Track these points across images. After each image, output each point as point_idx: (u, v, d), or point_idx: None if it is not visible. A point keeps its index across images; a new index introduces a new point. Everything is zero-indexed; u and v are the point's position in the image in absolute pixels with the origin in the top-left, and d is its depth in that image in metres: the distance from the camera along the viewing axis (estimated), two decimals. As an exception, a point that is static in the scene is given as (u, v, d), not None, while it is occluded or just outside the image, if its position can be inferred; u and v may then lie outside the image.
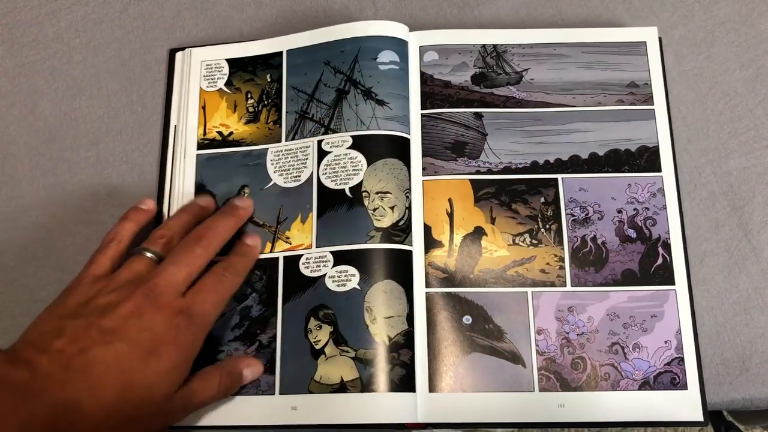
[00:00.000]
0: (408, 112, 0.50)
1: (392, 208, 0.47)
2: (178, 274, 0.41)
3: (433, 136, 0.50)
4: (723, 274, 0.49)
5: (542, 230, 0.48)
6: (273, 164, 0.50)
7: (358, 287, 0.45)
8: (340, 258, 0.46)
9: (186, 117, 0.52)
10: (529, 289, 0.47)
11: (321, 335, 0.45)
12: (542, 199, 0.48)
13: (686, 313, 0.46)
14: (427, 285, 0.47)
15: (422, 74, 0.51)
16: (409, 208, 0.48)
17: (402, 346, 0.45)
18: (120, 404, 0.36)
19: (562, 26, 0.55)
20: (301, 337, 0.45)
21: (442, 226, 0.48)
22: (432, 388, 0.45)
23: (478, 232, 0.48)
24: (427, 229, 0.48)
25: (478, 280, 0.47)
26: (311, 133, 0.50)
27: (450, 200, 0.48)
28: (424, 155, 0.49)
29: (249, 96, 0.52)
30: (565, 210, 0.48)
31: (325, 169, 0.48)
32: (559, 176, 0.49)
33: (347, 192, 0.47)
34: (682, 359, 0.45)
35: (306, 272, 0.46)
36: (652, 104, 0.50)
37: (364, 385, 0.43)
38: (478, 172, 0.49)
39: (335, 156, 0.48)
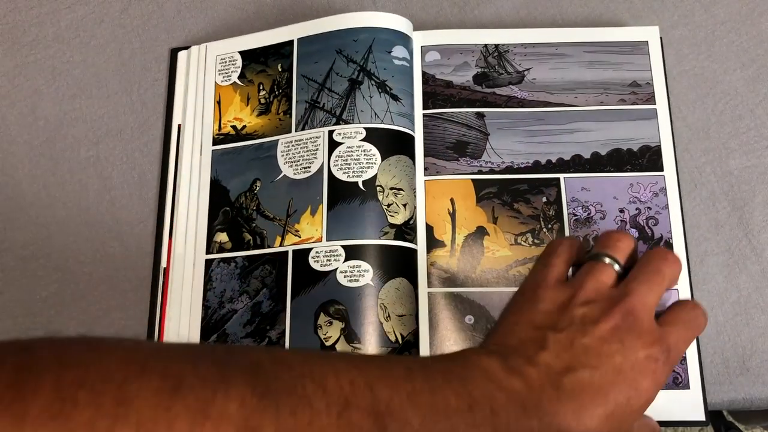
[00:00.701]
0: (414, 111, 0.50)
1: (404, 205, 0.47)
2: (651, 297, 0.36)
3: (435, 136, 0.50)
4: (723, 274, 0.49)
5: (544, 230, 0.48)
6: (283, 156, 0.49)
7: (371, 283, 0.44)
8: (352, 252, 0.45)
9: (201, 113, 0.52)
10: (531, 289, 0.46)
11: (332, 331, 0.44)
12: (544, 199, 0.48)
13: (688, 312, 0.46)
14: (429, 285, 0.47)
15: (424, 74, 0.51)
16: (415, 207, 0.48)
17: (412, 345, 0.44)
18: None
19: (563, 26, 0.55)
20: (310, 334, 0.44)
21: (444, 225, 0.48)
22: (434, 388, 0.45)
23: (480, 232, 0.48)
24: (429, 229, 0.48)
25: (480, 280, 0.47)
26: (322, 123, 0.49)
27: (452, 200, 0.48)
28: (426, 155, 0.49)
29: (261, 87, 0.52)
30: (567, 210, 0.48)
31: (337, 160, 0.47)
32: (561, 176, 0.49)
33: (360, 185, 0.47)
34: (683, 359, 0.45)
35: (316, 266, 0.46)
36: (654, 104, 0.50)
37: None
38: (480, 172, 0.49)
39: (348, 147, 0.47)
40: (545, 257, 0.39)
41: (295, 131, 0.49)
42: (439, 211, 0.48)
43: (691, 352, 0.45)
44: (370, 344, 0.43)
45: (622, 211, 0.48)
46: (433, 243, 0.48)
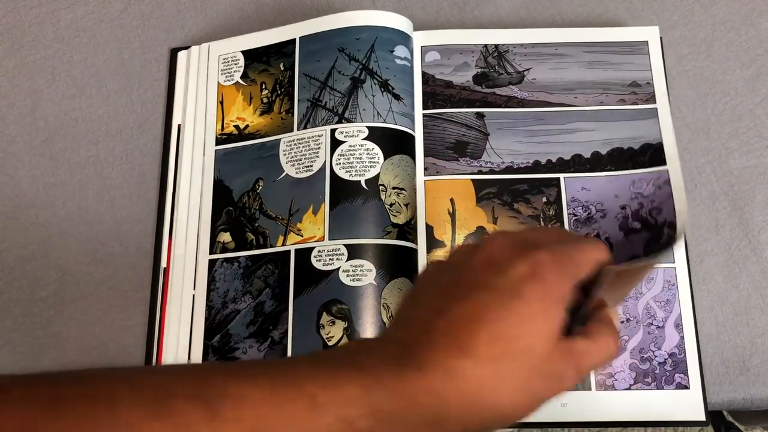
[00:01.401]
0: (414, 111, 0.50)
1: (406, 205, 0.47)
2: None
3: (435, 136, 0.50)
4: (723, 274, 0.49)
5: (544, 230, 0.48)
6: (285, 155, 0.49)
7: (374, 283, 0.44)
8: (354, 252, 0.45)
9: (204, 113, 0.52)
10: (531, 289, 0.46)
11: (334, 331, 0.44)
12: (544, 199, 0.48)
13: (688, 312, 0.46)
14: (429, 285, 0.47)
15: (424, 74, 0.51)
16: (416, 207, 0.48)
17: None
18: (495, 362, 0.29)
19: (563, 26, 0.55)
20: (313, 333, 0.44)
21: (444, 226, 0.48)
22: (434, 388, 0.44)
23: (480, 232, 0.48)
24: (429, 229, 0.48)
25: (480, 280, 0.47)
26: (324, 122, 0.48)
27: (452, 200, 0.48)
28: (425, 155, 0.49)
29: (263, 87, 0.51)
30: (567, 209, 0.48)
31: (339, 158, 0.47)
32: (561, 176, 0.49)
33: (363, 184, 0.46)
34: (684, 359, 0.45)
35: (318, 265, 0.45)
36: (654, 103, 0.50)
37: None
38: (480, 172, 0.49)
39: (350, 146, 0.47)
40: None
41: (297, 130, 0.49)
42: (439, 211, 0.48)
43: (691, 353, 0.45)
44: None
45: (623, 207, 0.48)
46: (433, 243, 0.47)
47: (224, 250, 0.48)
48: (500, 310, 0.29)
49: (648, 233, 0.47)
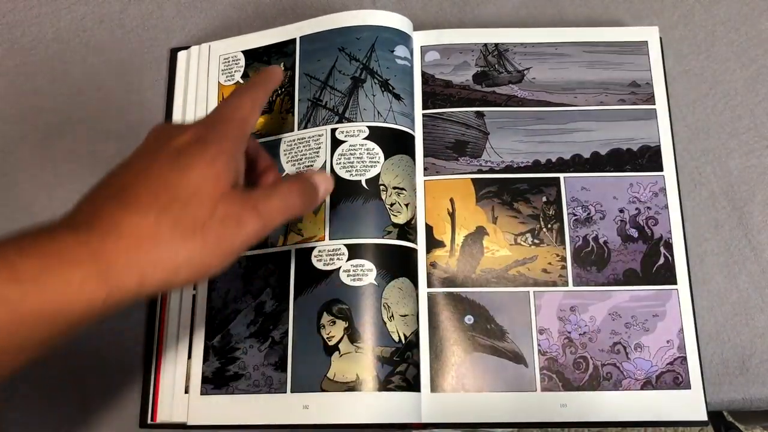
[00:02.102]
0: (414, 111, 0.50)
1: (407, 205, 0.47)
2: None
3: (435, 136, 0.50)
4: (723, 274, 0.49)
5: (544, 230, 0.48)
6: (286, 154, 0.49)
7: (375, 283, 0.44)
8: (354, 251, 0.45)
9: (204, 113, 0.51)
10: (531, 289, 0.47)
11: (335, 331, 0.44)
12: (544, 199, 0.48)
13: (688, 312, 0.46)
14: (429, 285, 0.47)
15: (423, 74, 0.51)
16: (416, 207, 0.48)
17: (414, 345, 0.44)
18: (156, 216, 0.30)
19: (563, 26, 0.55)
20: (313, 333, 0.44)
21: (444, 225, 0.48)
22: (434, 388, 0.45)
23: (480, 232, 0.48)
24: (429, 229, 0.48)
25: (480, 280, 0.47)
26: (324, 121, 0.48)
27: (451, 200, 0.48)
28: (425, 155, 0.49)
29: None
30: (567, 209, 0.48)
31: (340, 158, 0.47)
32: (561, 175, 0.49)
33: (363, 184, 0.46)
34: (684, 359, 0.45)
35: (318, 265, 0.45)
36: (654, 104, 0.50)
37: (381, 383, 0.42)
38: (479, 172, 0.49)
39: (351, 146, 0.47)
40: None
41: (298, 130, 0.49)
42: (439, 211, 0.48)
43: (692, 353, 0.45)
44: (374, 344, 0.43)
45: (621, 210, 0.48)
46: (432, 243, 0.47)
47: None
48: (164, 168, 0.31)
49: (645, 246, 0.47)
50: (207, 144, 0.33)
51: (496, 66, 0.51)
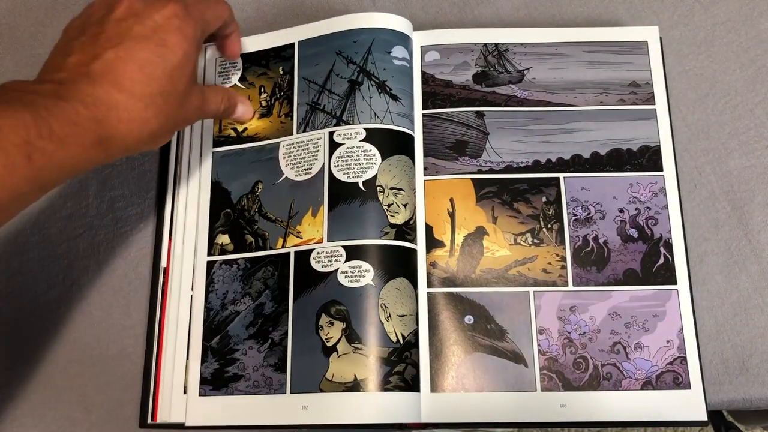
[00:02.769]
0: (413, 111, 0.50)
1: (405, 205, 0.47)
2: None
3: (435, 136, 0.50)
4: (723, 274, 0.49)
5: (544, 230, 0.48)
6: (285, 158, 0.49)
7: (372, 283, 0.44)
8: (352, 253, 0.45)
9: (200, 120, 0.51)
10: (531, 289, 0.47)
11: (333, 332, 0.44)
12: (544, 199, 0.48)
13: (688, 312, 0.46)
14: (429, 285, 0.47)
15: (423, 74, 0.51)
16: (415, 207, 0.48)
17: (413, 346, 0.44)
18: (148, 97, 0.38)
19: (563, 26, 0.55)
20: (312, 334, 0.44)
21: (444, 225, 0.48)
22: (434, 388, 0.45)
23: (480, 232, 0.48)
24: (429, 229, 0.48)
25: (480, 280, 0.47)
26: (322, 125, 0.49)
27: (451, 200, 0.48)
28: (425, 155, 0.49)
29: (262, 90, 0.51)
30: (567, 209, 0.48)
31: (337, 161, 0.47)
32: (561, 175, 0.49)
33: (361, 186, 0.46)
34: (684, 359, 0.45)
35: (317, 267, 0.45)
36: (654, 104, 0.50)
37: (379, 383, 0.43)
38: (479, 172, 0.49)
39: (348, 148, 0.47)
40: None
41: (297, 133, 0.49)
42: (439, 211, 0.48)
43: (692, 353, 0.45)
44: (372, 344, 0.43)
45: (621, 210, 0.48)
46: (432, 243, 0.48)
47: (223, 252, 0.48)
48: (150, 56, 0.38)
49: (645, 246, 0.47)
50: (183, 34, 0.40)
51: (496, 66, 0.51)
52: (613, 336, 0.45)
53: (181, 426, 0.45)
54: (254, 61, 0.52)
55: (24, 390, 0.47)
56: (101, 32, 0.38)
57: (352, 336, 0.43)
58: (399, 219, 0.46)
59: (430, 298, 0.46)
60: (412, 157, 0.48)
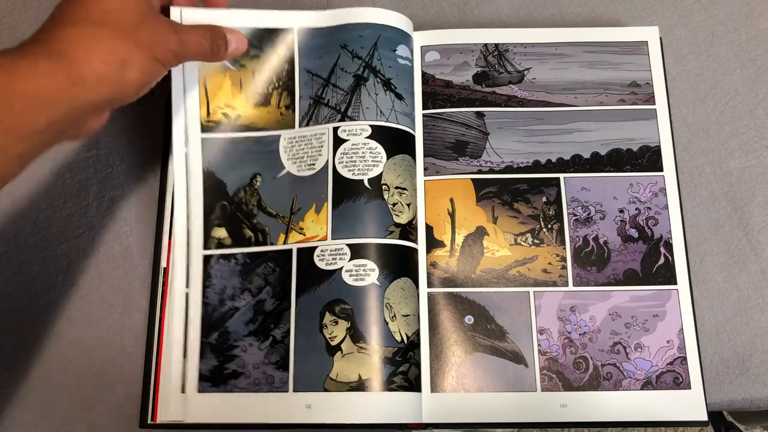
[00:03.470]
0: (414, 111, 0.50)
1: (408, 205, 0.47)
2: None
3: (435, 136, 0.50)
4: (723, 274, 0.49)
5: (544, 230, 0.48)
6: (286, 152, 0.48)
7: (377, 283, 0.44)
8: (357, 251, 0.45)
9: (184, 95, 0.48)
10: (531, 289, 0.47)
11: (337, 331, 0.43)
12: (544, 199, 0.48)
13: (688, 312, 0.46)
14: (429, 285, 0.47)
15: (424, 74, 0.51)
16: (416, 207, 0.48)
17: (416, 346, 0.44)
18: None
19: (563, 26, 0.55)
20: (315, 333, 0.44)
21: (444, 225, 0.48)
22: (434, 388, 0.45)
23: (480, 232, 0.48)
24: (429, 229, 0.48)
25: (480, 280, 0.47)
26: (326, 120, 0.48)
27: (452, 200, 0.48)
28: (425, 155, 0.49)
29: (255, 74, 0.49)
30: (567, 209, 0.48)
31: (342, 157, 0.47)
32: (561, 175, 0.49)
33: (366, 183, 0.46)
34: (684, 359, 0.45)
35: (321, 265, 0.45)
36: (654, 104, 0.50)
37: (384, 383, 0.42)
38: (479, 172, 0.49)
39: (353, 144, 0.47)
40: None
41: (299, 127, 0.48)
42: (439, 211, 0.48)
43: (692, 353, 0.45)
44: (377, 344, 0.43)
45: (621, 211, 0.48)
46: (432, 243, 0.48)
47: (220, 246, 0.47)
48: None
49: (645, 246, 0.47)
50: None
51: (496, 66, 0.51)
52: (614, 336, 0.45)
53: (180, 426, 0.45)
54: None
55: (24, 390, 0.47)
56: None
57: (357, 335, 0.43)
58: (403, 218, 0.46)
59: (431, 298, 0.46)
60: (414, 157, 0.48)
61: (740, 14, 0.55)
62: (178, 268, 0.47)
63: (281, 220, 0.47)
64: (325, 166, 0.47)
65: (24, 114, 0.33)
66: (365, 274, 0.44)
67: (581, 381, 0.45)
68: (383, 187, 0.46)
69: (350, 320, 0.44)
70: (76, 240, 0.51)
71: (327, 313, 0.44)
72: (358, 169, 0.46)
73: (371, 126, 0.47)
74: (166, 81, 0.54)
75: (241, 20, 0.48)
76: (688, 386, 0.44)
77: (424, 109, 0.50)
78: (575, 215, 0.48)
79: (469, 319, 0.46)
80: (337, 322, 0.44)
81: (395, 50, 0.49)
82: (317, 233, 0.46)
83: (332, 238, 0.45)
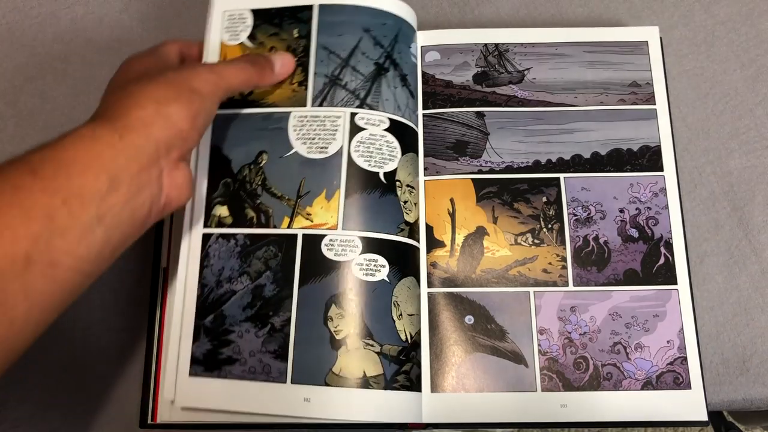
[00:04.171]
0: (418, 111, 0.50)
1: (416, 204, 0.46)
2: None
3: (435, 136, 0.50)
4: (723, 274, 0.49)
5: (544, 230, 0.48)
6: (296, 130, 0.46)
7: (387, 279, 0.43)
8: (369, 245, 0.43)
9: None
10: (531, 289, 0.47)
11: (343, 325, 0.42)
12: (544, 199, 0.48)
13: (688, 312, 0.46)
14: (429, 285, 0.47)
15: (424, 74, 0.51)
16: (419, 207, 0.47)
17: (418, 345, 0.44)
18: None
19: (563, 26, 0.55)
20: (319, 325, 0.42)
21: (444, 225, 0.48)
22: (434, 388, 0.45)
23: (480, 232, 0.48)
24: (429, 229, 0.48)
25: (480, 280, 0.47)
26: (343, 103, 0.46)
27: (452, 200, 0.48)
28: (425, 155, 0.49)
29: (273, 51, 0.48)
30: (567, 209, 0.48)
31: (358, 146, 0.45)
32: (561, 176, 0.49)
33: (381, 177, 0.45)
34: (684, 359, 0.45)
35: (329, 255, 0.43)
36: (654, 104, 0.50)
37: (388, 382, 0.42)
38: (480, 172, 0.49)
39: (371, 135, 0.45)
40: None
41: (312, 106, 0.46)
42: (439, 211, 0.48)
43: (692, 353, 0.45)
44: (384, 341, 0.42)
45: (622, 211, 0.48)
46: (433, 243, 0.48)
47: (220, 224, 0.45)
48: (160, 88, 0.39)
49: (645, 246, 0.47)
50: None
51: (497, 66, 0.51)
52: (614, 336, 0.45)
53: (181, 426, 0.45)
54: (266, 18, 0.49)
55: (24, 390, 0.47)
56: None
57: (364, 331, 0.42)
58: (411, 217, 0.46)
59: (431, 298, 0.46)
60: (418, 156, 0.48)
61: (740, 14, 0.55)
62: (183, 247, 0.46)
63: (286, 202, 0.45)
64: (339, 152, 0.45)
65: (84, 175, 0.33)
66: (376, 269, 0.43)
67: (581, 381, 0.45)
68: (397, 183, 0.45)
69: (358, 315, 0.42)
70: (76, 240, 0.51)
71: (333, 306, 0.43)
72: (375, 161, 0.45)
73: (390, 119, 0.46)
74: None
75: (265, 2, 0.49)
76: (688, 386, 0.44)
77: (424, 109, 0.50)
78: (575, 215, 0.48)
79: (469, 319, 0.46)
80: (343, 316, 0.42)
81: (410, 47, 0.49)
82: (326, 221, 0.44)
83: (343, 229, 0.44)
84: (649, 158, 0.49)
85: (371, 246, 0.44)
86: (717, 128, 0.52)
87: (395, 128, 0.46)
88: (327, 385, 0.41)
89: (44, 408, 0.47)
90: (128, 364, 0.48)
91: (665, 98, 0.50)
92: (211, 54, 0.48)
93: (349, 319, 0.42)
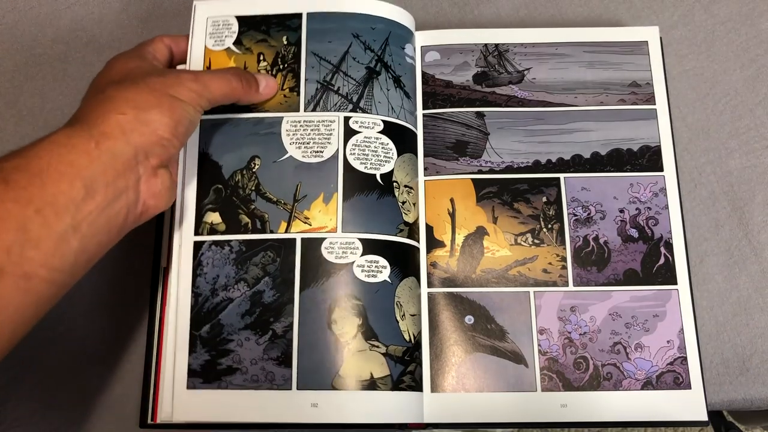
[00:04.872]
0: (416, 111, 0.50)
1: (414, 204, 0.46)
2: None
3: (435, 136, 0.50)
4: (723, 274, 0.49)
5: (544, 230, 0.48)
6: (289, 135, 0.46)
7: (389, 280, 0.43)
8: (369, 247, 0.43)
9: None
10: (531, 289, 0.47)
11: (347, 327, 0.42)
12: (544, 199, 0.48)
13: (688, 312, 0.46)
14: (429, 285, 0.47)
15: (424, 74, 0.51)
16: (419, 207, 0.48)
17: (420, 345, 0.44)
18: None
19: (563, 26, 0.55)
20: (323, 328, 0.42)
21: (444, 225, 0.48)
22: (434, 388, 0.45)
23: (480, 232, 0.48)
24: (429, 229, 0.48)
25: (480, 280, 0.47)
26: (336, 107, 0.46)
27: (452, 200, 0.48)
28: (425, 155, 0.49)
29: (261, 58, 0.48)
30: (567, 209, 0.48)
31: (354, 149, 0.45)
32: (561, 176, 0.49)
33: (378, 178, 0.45)
34: (684, 359, 0.45)
35: (330, 258, 0.43)
36: (654, 104, 0.50)
37: (395, 383, 0.42)
38: (480, 172, 0.49)
39: (365, 137, 0.46)
40: None
41: (305, 111, 0.47)
42: (439, 211, 0.48)
43: (692, 353, 0.45)
44: (389, 342, 0.42)
45: (621, 211, 0.48)
46: (433, 243, 0.48)
47: (212, 231, 0.45)
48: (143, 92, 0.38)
49: (645, 246, 0.47)
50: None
51: (497, 66, 0.51)
52: (614, 336, 0.45)
53: (181, 426, 0.44)
54: (252, 25, 0.48)
55: (24, 390, 0.47)
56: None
57: (369, 333, 0.42)
58: (410, 217, 0.46)
59: (431, 298, 0.46)
60: (417, 156, 0.48)
61: (740, 14, 0.55)
62: (173, 257, 0.45)
63: (282, 206, 0.45)
64: (335, 155, 0.45)
65: (58, 183, 0.33)
66: (377, 270, 0.43)
67: (581, 381, 0.45)
68: (394, 184, 0.45)
69: (362, 317, 0.42)
70: (76, 240, 0.51)
71: (336, 309, 0.43)
72: (371, 163, 0.45)
73: (383, 121, 0.46)
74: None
75: (252, 7, 0.48)
76: (688, 386, 0.44)
77: (424, 109, 0.50)
78: (575, 215, 0.48)
79: (469, 319, 0.46)
80: (347, 318, 0.42)
81: (404, 48, 0.49)
82: (325, 224, 0.44)
83: (342, 231, 0.44)
84: (649, 158, 0.49)
85: (371, 247, 0.44)
86: (717, 128, 0.52)
87: (390, 130, 0.46)
88: (334, 389, 0.41)
89: (44, 408, 0.47)
90: (128, 364, 0.48)
91: (665, 98, 0.50)
92: (195, 59, 0.48)
93: (353, 321, 0.42)
